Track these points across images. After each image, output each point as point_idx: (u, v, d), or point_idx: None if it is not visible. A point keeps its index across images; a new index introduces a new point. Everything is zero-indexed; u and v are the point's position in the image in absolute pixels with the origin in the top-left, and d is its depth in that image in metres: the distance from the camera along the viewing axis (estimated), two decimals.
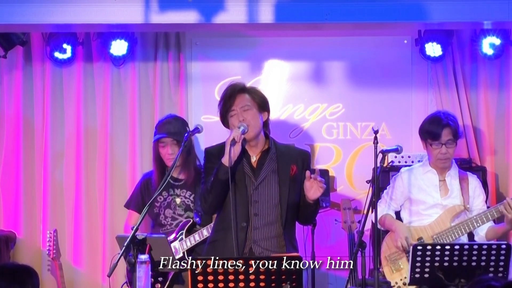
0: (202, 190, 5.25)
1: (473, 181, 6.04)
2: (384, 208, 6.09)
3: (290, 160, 5.21)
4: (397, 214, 6.19)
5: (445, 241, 5.81)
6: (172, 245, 5.98)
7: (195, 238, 6.09)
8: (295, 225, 5.29)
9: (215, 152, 5.23)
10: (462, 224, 5.85)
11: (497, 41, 7.00)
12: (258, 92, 5.27)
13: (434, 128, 5.95)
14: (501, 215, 5.85)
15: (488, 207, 6.05)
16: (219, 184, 5.10)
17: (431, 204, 5.97)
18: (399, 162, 6.84)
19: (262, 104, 5.24)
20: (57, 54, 7.21)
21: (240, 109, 5.18)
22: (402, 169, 6.20)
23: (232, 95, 5.20)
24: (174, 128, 6.15)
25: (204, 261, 4.58)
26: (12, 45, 6.81)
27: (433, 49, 7.10)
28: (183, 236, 6.10)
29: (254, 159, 5.23)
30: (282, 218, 5.14)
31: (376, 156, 5.32)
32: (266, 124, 5.26)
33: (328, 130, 7.30)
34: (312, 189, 5.07)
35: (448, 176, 6.00)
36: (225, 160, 5.05)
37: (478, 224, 5.83)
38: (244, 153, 5.19)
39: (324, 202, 6.83)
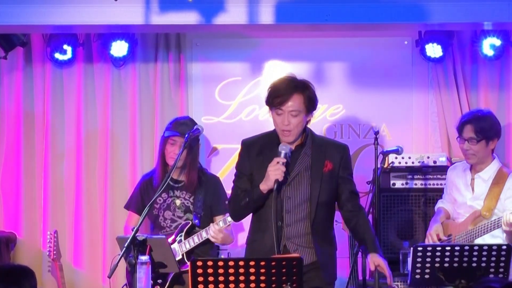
0: (233, 196, 5.13)
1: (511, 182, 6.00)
2: (443, 201, 6.22)
3: (325, 155, 5.03)
4: None
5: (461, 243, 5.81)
6: (171, 247, 5.98)
7: (194, 240, 6.08)
8: (331, 222, 5.14)
9: (254, 146, 5.06)
10: (477, 228, 5.86)
11: (497, 42, 7.00)
12: (312, 93, 5.04)
13: (459, 123, 5.99)
14: None
15: None
16: (253, 206, 5.02)
17: (460, 203, 6.02)
18: (400, 163, 6.83)
19: (311, 106, 5.03)
20: (57, 55, 7.21)
21: (288, 112, 4.96)
22: (454, 165, 6.31)
23: (287, 93, 4.96)
24: (189, 130, 6.13)
25: (204, 262, 4.58)
26: (12, 46, 6.82)
27: (434, 50, 7.09)
28: (182, 238, 6.10)
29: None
30: (311, 216, 5.00)
31: (376, 157, 5.32)
32: (308, 120, 5.09)
33: (329, 131, 7.29)
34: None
35: (477, 178, 6.01)
36: (264, 189, 4.92)
37: (483, 233, 5.82)
38: (278, 146, 5.02)
39: None
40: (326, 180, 5.03)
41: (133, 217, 6.33)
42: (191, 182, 6.17)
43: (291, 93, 4.95)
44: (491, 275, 5.11)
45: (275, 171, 4.88)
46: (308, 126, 5.13)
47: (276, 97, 4.96)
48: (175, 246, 6.07)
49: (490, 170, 6.01)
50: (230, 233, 6.17)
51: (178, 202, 6.21)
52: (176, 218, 6.20)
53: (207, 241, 6.09)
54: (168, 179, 5.34)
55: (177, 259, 5.95)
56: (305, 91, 5.00)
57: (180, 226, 6.13)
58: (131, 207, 6.38)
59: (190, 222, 6.13)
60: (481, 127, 5.94)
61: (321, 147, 5.08)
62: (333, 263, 5.16)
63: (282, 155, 4.91)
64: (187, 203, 6.19)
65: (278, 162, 4.89)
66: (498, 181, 5.97)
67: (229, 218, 5.92)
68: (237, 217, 5.22)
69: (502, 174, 6.01)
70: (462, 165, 6.15)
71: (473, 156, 5.97)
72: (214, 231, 5.99)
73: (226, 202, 5.84)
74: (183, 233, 6.10)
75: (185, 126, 6.18)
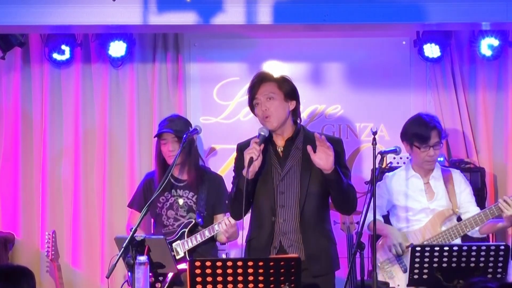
0: (229, 194, 5.19)
1: (458, 177, 5.98)
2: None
3: (314, 147, 4.98)
4: (385, 217, 6.13)
5: None
6: (173, 245, 5.99)
7: (197, 238, 6.08)
8: (325, 215, 5.12)
9: (245, 148, 5.03)
10: (453, 228, 5.83)
11: (495, 42, 7.01)
12: (286, 81, 5.10)
13: (423, 131, 5.86)
14: (497, 215, 5.80)
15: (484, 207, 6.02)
16: (241, 194, 4.95)
17: (419, 209, 5.92)
18: (398, 163, 6.83)
19: (290, 93, 5.07)
20: (55, 55, 7.21)
21: (263, 97, 5.04)
22: (386, 175, 6.10)
23: (257, 84, 5.07)
24: (176, 126, 6.15)
25: (202, 262, 4.58)
26: (10, 46, 6.82)
27: (432, 50, 7.10)
28: (185, 236, 6.10)
29: (280, 148, 5.09)
30: (300, 207, 5.00)
31: (374, 157, 5.31)
32: (295, 112, 5.10)
33: (327, 131, 7.28)
34: (318, 156, 4.91)
35: (432, 179, 5.95)
36: (245, 173, 4.92)
37: (468, 229, 5.80)
38: (270, 142, 5.08)
39: None
40: (316, 171, 5.00)
41: (136, 215, 6.30)
42: (191, 179, 6.17)
43: (260, 82, 5.09)
44: (489, 275, 5.11)
45: (249, 150, 4.93)
46: (305, 125, 5.14)
47: (250, 91, 5.10)
48: (177, 244, 6.06)
49: (438, 170, 5.99)
50: (237, 229, 6.17)
51: (181, 201, 6.21)
52: (179, 217, 6.19)
53: (209, 240, 6.09)
54: (168, 177, 5.36)
55: (178, 257, 5.96)
56: (275, 79, 5.10)
57: (183, 224, 6.13)
58: (134, 206, 6.37)
59: (193, 221, 6.12)
60: (441, 130, 5.91)
61: (312, 140, 5.04)
62: (326, 255, 5.09)
63: (260, 137, 4.96)
64: (190, 202, 6.18)
65: (254, 142, 4.95)
66: (447, 179, 5.96)
67: (231, 218, 5.93)
68: (235, 213, 5.19)
69: (444, 171, 6.00)
70: (401, 172, 6.04)
71: (434, 162, 5.93)
72: (227, 225, 5.97)
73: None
74: (185, 231, 6.10)
75: (171, 122, 6.19)
